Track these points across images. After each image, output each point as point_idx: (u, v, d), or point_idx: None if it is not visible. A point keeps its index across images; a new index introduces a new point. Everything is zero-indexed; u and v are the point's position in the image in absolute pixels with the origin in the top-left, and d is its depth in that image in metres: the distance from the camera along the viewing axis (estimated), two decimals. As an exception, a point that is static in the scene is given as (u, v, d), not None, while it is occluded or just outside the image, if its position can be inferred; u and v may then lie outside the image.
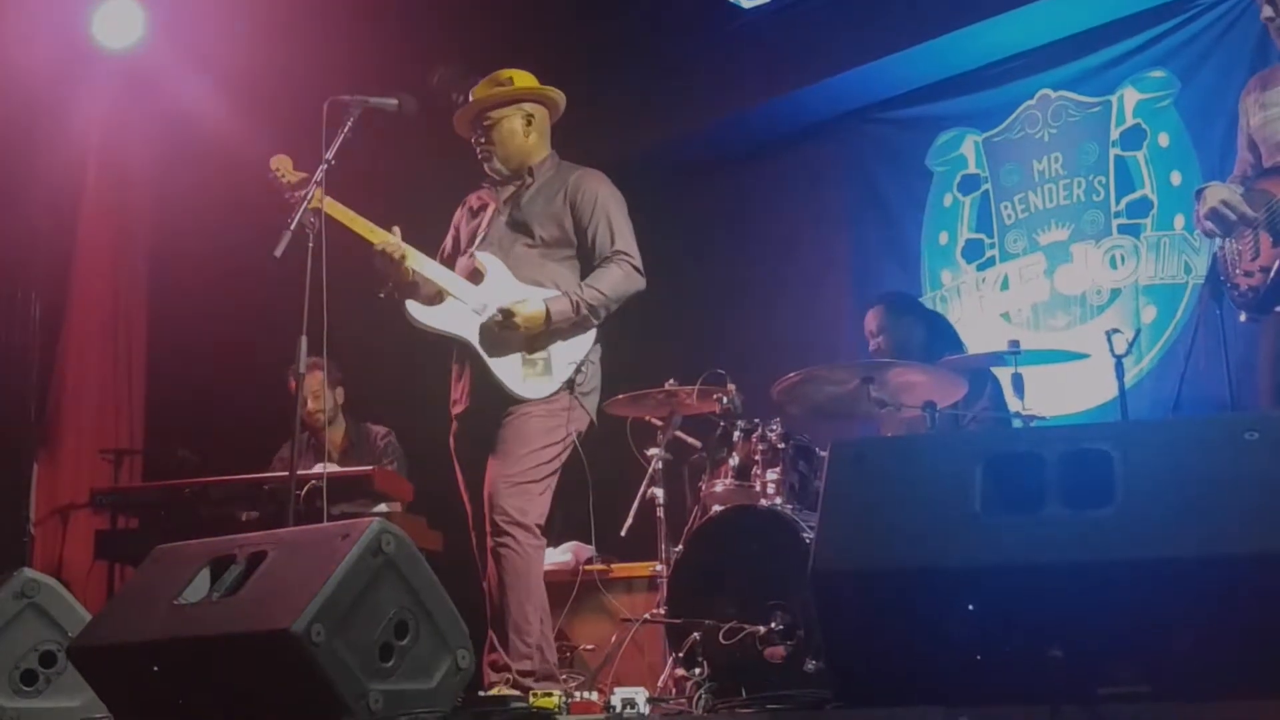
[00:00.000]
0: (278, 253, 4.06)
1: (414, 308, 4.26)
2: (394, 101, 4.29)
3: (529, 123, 4.48)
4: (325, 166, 4.08)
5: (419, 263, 4.29)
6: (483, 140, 4.47)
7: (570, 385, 4.25)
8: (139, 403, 6.91)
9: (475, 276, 4.34)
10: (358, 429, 6.15)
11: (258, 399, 6.13)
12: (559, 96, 4.55)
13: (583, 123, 7.05)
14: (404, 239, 4.31)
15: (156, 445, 6.71)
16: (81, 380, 6.69)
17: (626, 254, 4.36)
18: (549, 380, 4.23)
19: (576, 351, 4.29)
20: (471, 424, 4.33)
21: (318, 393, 5.96)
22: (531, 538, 4.16)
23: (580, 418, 4.32)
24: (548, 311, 4.20)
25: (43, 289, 6.27)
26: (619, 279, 4.32)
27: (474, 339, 4.25)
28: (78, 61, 6.38)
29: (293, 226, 3.98)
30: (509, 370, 4.22)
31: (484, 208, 4.54)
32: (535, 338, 4.22)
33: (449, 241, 4.59)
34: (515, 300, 4.22)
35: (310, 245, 4.01)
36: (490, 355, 4.24)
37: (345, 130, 4.14)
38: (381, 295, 4.30)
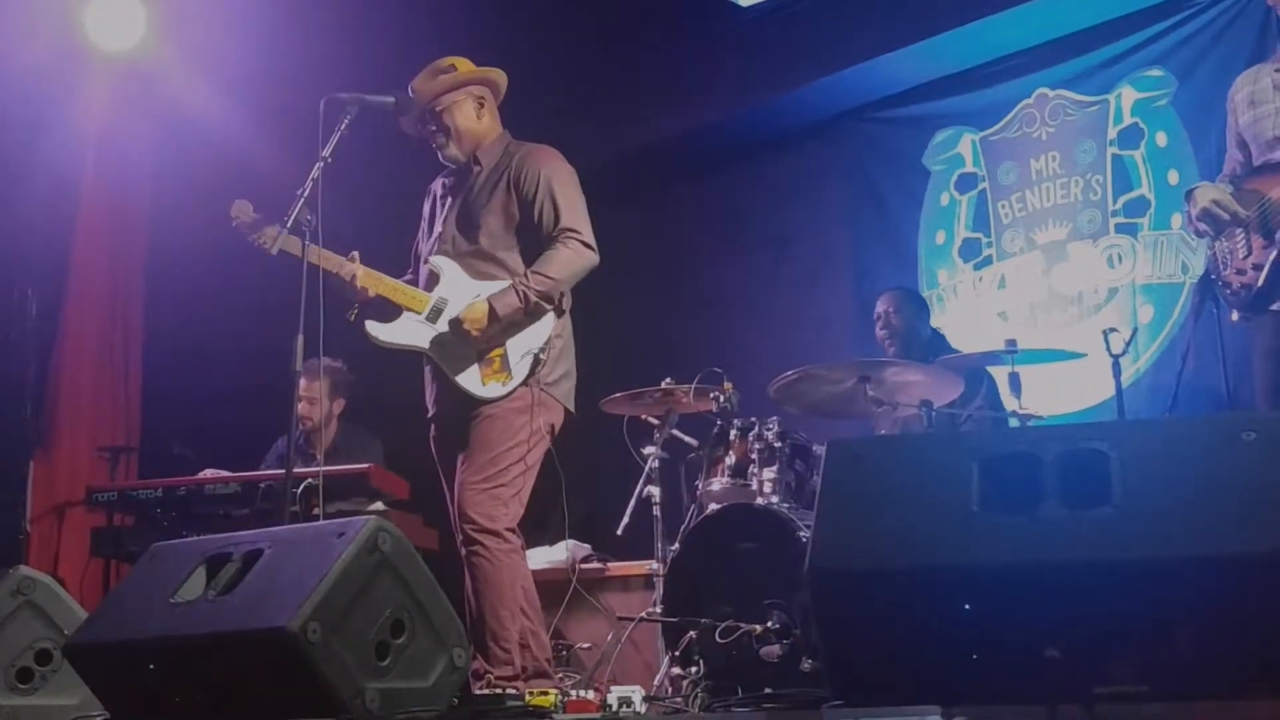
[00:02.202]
0: (274, 250, 4.07)
1: (372, 326, 4.22)
2: (391, 99, 4.27)
3: (481, 105, 4.40)
4: (322, 165, 4.05)
5: (373, 283, 4.23)
6: (433, 129, 4.38)
7: (532, 377, 4.15)
8: (135, 400, 6.92)
9: (432, 280, 4.29)
10: (348, 431, 6.14)
11: (254, 397, 6.11)
12: (502, 78, 4.46)
13: (579, 121, 7.10)
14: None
15: (153, 443, 6.71)
16: (78, 377, 6.69)
17: (572, 230, 4.22)
18: (508, 377, 4.14)
19: (532, 342, 4.18)
20: (444, 428, 4.29)
21: (315, 399, 5.95)
22: (502, 543, 4.06)
23: (550, 408, 4.22)
24: (492, 309, 4.12)
25: (40, 286, 6.25)
26: (567, 259, 4.18)
27: (431, 349, 4.21)
28: (76, 59, 6.37)
29: (289, 223, 3.98)
30: (468, 374, 4.16)
31: (443, 198, 4.47)
32: (490, 336, 4.14)
33: (420, 238, 4.53)
34: (463, 307, 4.15)
35: (306, 242, 4.00)
36: (448, 362, 4.18)
37: (342, 128, 4.11)
38: (351, 319, 4.22)
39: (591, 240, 4.26)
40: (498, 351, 4.17)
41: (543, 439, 4.19)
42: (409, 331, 4.24)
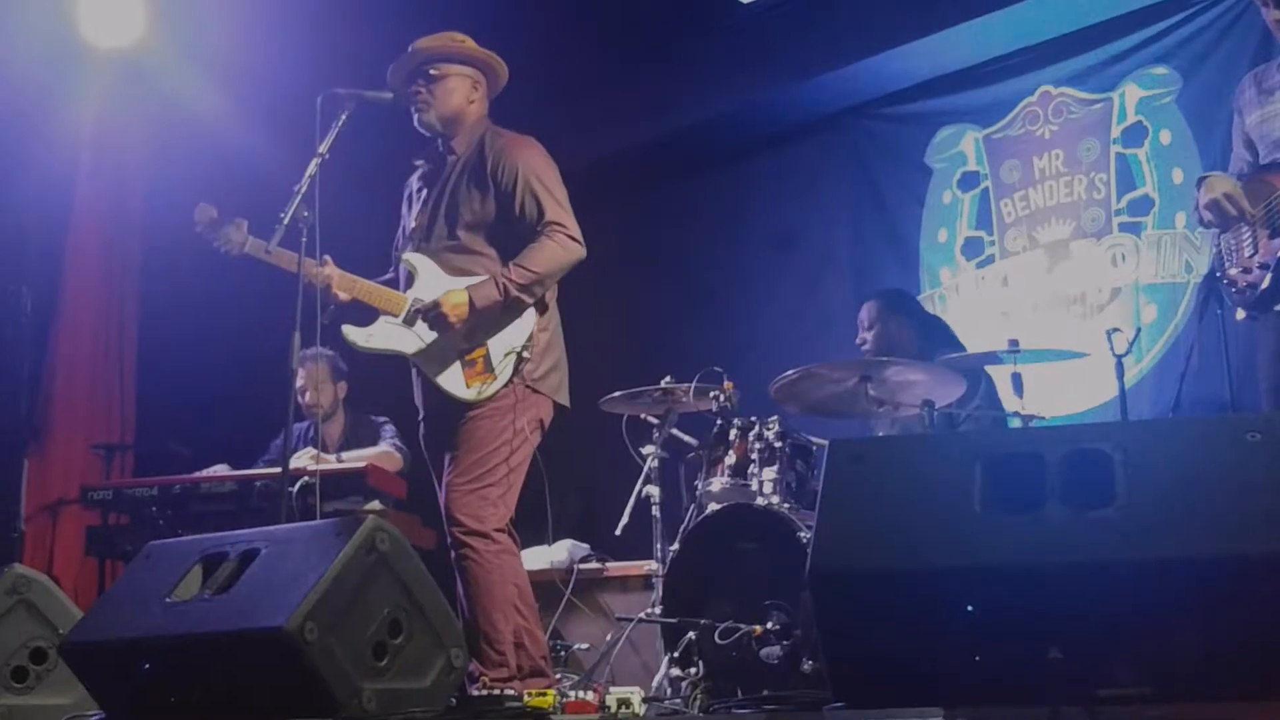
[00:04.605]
0: (270, 247, 4.04)
1: (350, 331, 4.15)
2: (389, 95, 4.24)
3: (475, 88, 4.33)
4: (319, 161, 4.03)
5: (349, 286, 4.17)
6: (421, 89, 4.27)
7: (516, 376, 4.08)
8: (130, 398, 6.91)
9: (409, 278, 4.22)
10: (356, 420, 6.12)
11: (250, 394, 6.11)
12: (503, 71, 4.38)
13: (581, 117, 7.08)
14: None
15: (148, 441, 6.69)
16: (73, 375, 6.68)
17: (557, 224, 4.12)
18: (492, 378, 4.07)
19: (514, 339, 4.11)
20: (431, 429, 4.24)
21: (322, 384, 5.94)
22: (490, 544, 4.00)
23: (538, 405, 4.15)
24: (470, 299, 4.05)
25: (34, 283, 6.25)
26: (551, 252, 4.09)
27: (413, 352, 4.15)
28: (70, 56, 6.36)
29: (286, 220, 3.95)
30: (452, 377, 4.09)
31: (419, 191, 4.40)
32: (470, 334, 4.08)
33: (399, 235, 4.45)
34: (439, 295, 4.08)
35: (304, 239, 3.98)
36: (430, 365, 4.12)
37: (339, 124, 4.08)
38: (325, 322, 4.10)
39: (577, 233, 4.18)
40: (479, 352, 4.10)
41: (528, 437, 4.12)
42: (388, 335, 4.16)
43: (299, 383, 5.77)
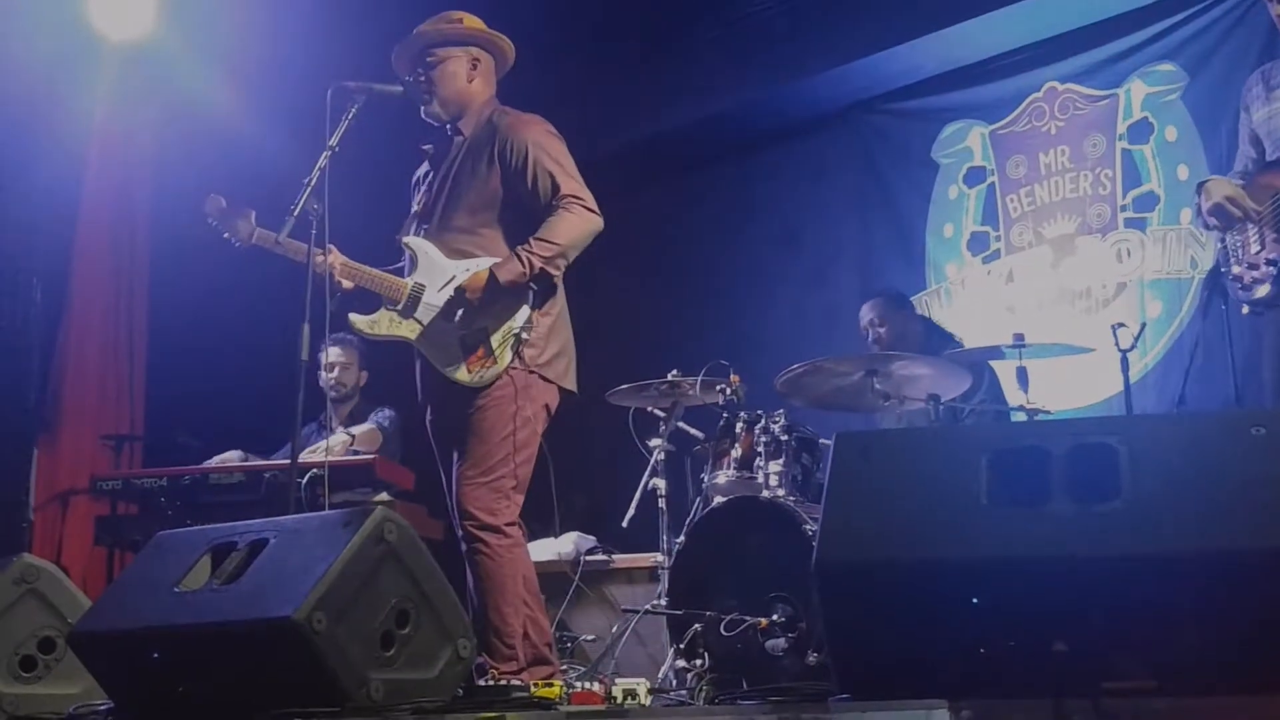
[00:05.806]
0: (280, 238, 4.04)
1: (356, 319, 4.15)
2: (399, 88, 4.23)
3: (474, 67, 4.28)
4: (329, 154, 4.03)
5: (351, 273, 4.16)
6: (423, 79, 4.25)
7: (517, 360, 4.04)
8: (140, 388, 6.92)
9: (412, 263, 4.20)
10: (364, 407, 6.18)
11: (259, 385, 6.12)
12: (508, 46, 4.35)
13: (588, 112, 7.09)
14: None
15: (157, 431, 6.71)
16: (82, 365, 6.69)
17: (574, 196, 4.08)
18: (493, 363, 4.03)
19: (512, 323, 4.06)
20: (438, 418, 4.21)
21: (347, 364, 6.11)
22: (503, 539, 3.98)
23: (543, 391, 4.11)
24: (492, 277, 4.02)
25: (44, 273, 6.26)
26: (571, 223, 4.05)
27: (415, 339, 4.13)
28: (81, 47, 6.37)
29: (296, 211, 3.95)
30: (452, 362, 4.07)
31: (425, 174, 4.37)
32: (470, 320, 4.05)
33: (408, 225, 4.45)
34: (462, 273, 4.07)
35: (313, 231, 3.98)
36: (432, 351, 4.11)
37: (349, 117, 4.06)
38: (333, 309, 4.09)
39: (594, 204, 4.13)
40: (480, 340, 4.07)
41: (535, 425, 4.08)
42: (390, 322, 4.16)
43: (331, 359, 5.97)
